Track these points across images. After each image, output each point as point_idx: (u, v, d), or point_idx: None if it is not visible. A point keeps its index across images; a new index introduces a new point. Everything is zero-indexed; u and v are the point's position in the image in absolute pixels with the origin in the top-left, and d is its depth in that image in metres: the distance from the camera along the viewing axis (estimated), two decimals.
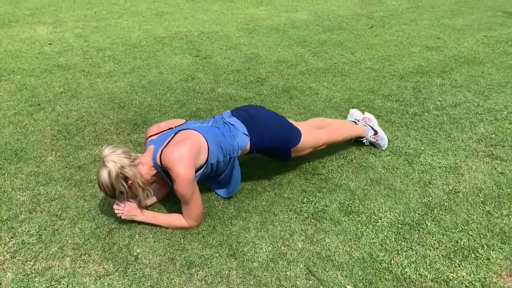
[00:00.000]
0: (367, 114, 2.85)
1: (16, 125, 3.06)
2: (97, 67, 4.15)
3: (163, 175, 2.03)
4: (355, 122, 2.80)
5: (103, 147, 1.97)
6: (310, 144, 2.39)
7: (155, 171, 2.02)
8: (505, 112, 3.18)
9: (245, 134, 2.19)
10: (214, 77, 3.92)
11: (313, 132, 2.46)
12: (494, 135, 2.88)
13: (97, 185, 2.27)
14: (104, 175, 1.90)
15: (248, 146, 2.21)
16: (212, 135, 2.09)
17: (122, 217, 2.06)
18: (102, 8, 6.50)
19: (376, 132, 2.72)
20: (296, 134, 2.32)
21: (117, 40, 4.96)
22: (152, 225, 2.10)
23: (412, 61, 4.24)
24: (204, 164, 2.03)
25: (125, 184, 1.94)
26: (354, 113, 2.87)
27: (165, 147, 1.98)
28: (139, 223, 2.11)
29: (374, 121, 2.80)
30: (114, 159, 1.90)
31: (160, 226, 2.10)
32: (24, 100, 3.45)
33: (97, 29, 5.38)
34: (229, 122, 2.21)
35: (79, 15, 6.08)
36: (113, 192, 1.96)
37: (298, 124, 2.43)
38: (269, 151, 2.32)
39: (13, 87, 3.69)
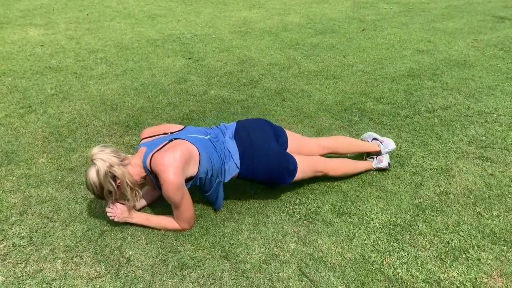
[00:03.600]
0: (386, 157, 2.57)
1: (7, 127, 3.04)
2: (89, 69, 4.14)
3: (152, 179, 2.01)
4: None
5: (92, 146, 1.94)
6: (304, 176, 2.30)
7: (144, 173, 2.01)
8: (495, 115, 3.22)
9: (237, 167, 2.15)
10: (206, 79, 3.93)
11: (311, 168, 2.31)
12: (484, 137, 2.91)
13: (85, 185, 2.25)
14: (92, 173, 1.88)
15: (236, 176, 2.18)
16: (206, 150, 2.05)
17: (115, 220, 2.05)
18: (94, 10, 6.48)
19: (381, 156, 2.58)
20: (289, 175, 2.22)
21: (109, 42, 4.95)
22: (144, 227, 2.10)
23: (404, 64, 4.28)
24: (194, 176, 2.00)
25: (113, 183, 1.92)
26: (368, 138, 2.67)
27: (156, 151, 1.97)
28: (131, 225, 2.10)
29: (385, 163, 2.55)
30: (103, 157, 1.89)
31: (152, 228, 2.09)
32: (15, 102, 3.43)
33: (89, 31, 5.36)
34: (227, 148, 2.16)
35: (71, 17, 6.05)
36: (101, 192, 1.93)
37: (301, 155, 2.31)
38: (254, 182, 2.29)
39: (4, 89, 3.66)
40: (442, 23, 5.78)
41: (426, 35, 5.24)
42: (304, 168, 2.26)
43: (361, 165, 2.54)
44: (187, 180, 1.99)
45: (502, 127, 3.04)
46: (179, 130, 2.13)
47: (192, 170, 1.98)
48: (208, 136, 2.15)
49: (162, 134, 2.10)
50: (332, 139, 2.55)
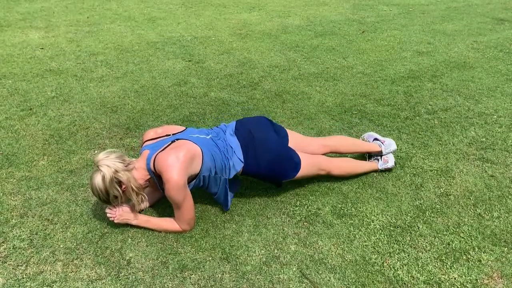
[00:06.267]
0: (391, 162, 2.54)
1: (8, 130, 3.04)
2: (90, 71, 4.14)
3: (155, 180, 2.02)
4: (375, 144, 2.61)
5: (98, 151, 1.96)
6: (305, 177, 2.33)
7: (148, 176, 2.02)
8: (495, 116, 3.22)
9: (240, 161, 2.17)
10: (207, 81, 3.93)
11: (315, 165, 2.32)
12: (484, 139, 2.91)
13: (90, 190, 2.26)
14: (98, 179, 1.90)
15: (241, 171, 2.19)
16: (209, 148, 2.07)
17: (115, 221, 2.06)
18: (94, 13, 6.49)
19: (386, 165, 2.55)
20: (293, 169, 2.24)
21: (109, 44, 4.95)
22: (145, 229, 2.10)
23: (403, 66, 4.28)
24: (197, 175, 2.02)
25: (119, 189, 1.94)
26: (369, 138, 2.67)
27: (160, 152, 1.98)
28: (132, 227, 2.10)
29: (391, 163, 2.54)
30: (108, 163, 1.90)
31: (153, 230, 2.09)
32: (15, 104, 3.43)
33: (89, 34, 5.37)
34: (229, 144, 2.18)
35: (72, 20, 6.06)
36: (107, 197, 1.96)
37: (303, 152, 2.31)
38: (261, 178, 2.30)
39: (5, 91, 3.67)
40: (442, 25, 5.78)
41: (425, 37, 5.24)
42: (308, 163, 2.27)
43: (366, 165, 2.54)
44: (191, 179, 2.00)
45: (502, 128, 3.04)
46: (181, 132, 2.15)
47: (195, 169, 1.99)
48: (210, 136, 2.19)
49: (164, 136, 2.12)
50: (333, 138, 2.57)
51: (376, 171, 2.55)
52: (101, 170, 1.89)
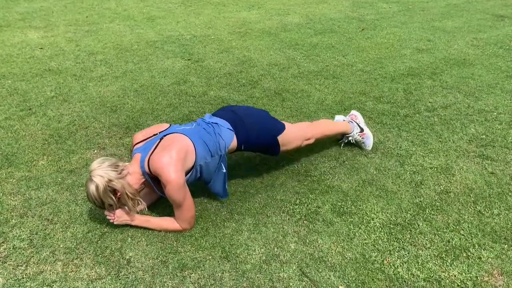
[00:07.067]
0: (353, 112, 2.87)
1: (7, 130, 3.04)
2: (89, 71, 4.14)
3: (152, 183, 2.02)
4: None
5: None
6: (296, 135, 2.42)
7: (143, 180, 2.02)
8: (495, 113, 3.21)
9: (230, 129, 2.21)
10: (206, 80, 3.93)
11: (297, 124, 2.58)
12: (484, 136, 2.91)
13: (86, 198, 2.27)
14: (92, 189, 1.90)
15: (235, 141, 2.22)
16: (197, 136, 2.09)
17: (115, 223, 2.06)
18: (93, 12, 6.49)
19: (362, 130, 2.72)
20: (279, 124, 2.38)
21: (108, 44, 4.95)
22: (145, 228, 2.10)
23: (403, 63, 4.27)
24: (192, 167, 2.03)
25: (113, 197, 1.94)
26: (339, 119, 2.86)
27: (152, 153, 1.98)
28: (132, 226, 2.10)
29: (360, 119, 2.81)
30: (101, 173, 1.90)
31: (153, 230, 2.09)
32: (15, 104, 3.43)
33: (88, 33, 5.37)
34: (211, 122, 2.22)
35: (71, 19, 6.06)
36: (102, 204, 1.97)
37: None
38: (256, 143, 2.32)
39: (4, 91, 3.67)
40: (442, 22, 5.77)
41: (425, 34, 5.23)
42: (291, 124, 2.47)
43: (340, 124, 2.71)
44: (187, 171, 2.01)
45: (502, 125, 3.04)
46: (166, 129, 2.17)
47: (190, 163, 2.01)
48: (194, 125, 2.21)
49: (151, 136, 2.13)
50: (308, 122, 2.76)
51: (348, 134, 2.70)
52: (94, 181, 1.89)
